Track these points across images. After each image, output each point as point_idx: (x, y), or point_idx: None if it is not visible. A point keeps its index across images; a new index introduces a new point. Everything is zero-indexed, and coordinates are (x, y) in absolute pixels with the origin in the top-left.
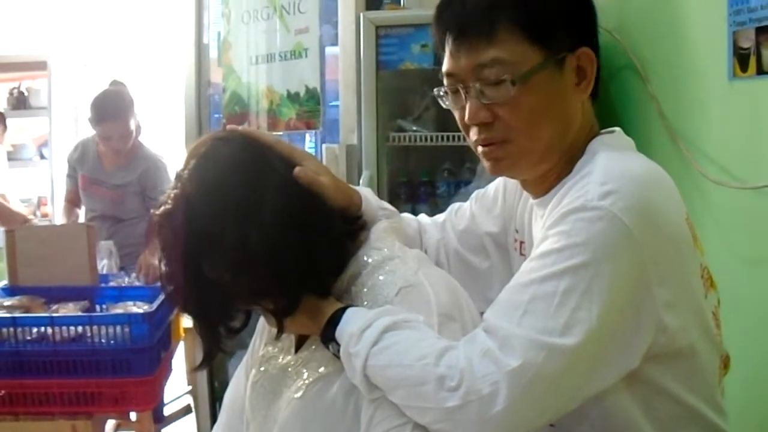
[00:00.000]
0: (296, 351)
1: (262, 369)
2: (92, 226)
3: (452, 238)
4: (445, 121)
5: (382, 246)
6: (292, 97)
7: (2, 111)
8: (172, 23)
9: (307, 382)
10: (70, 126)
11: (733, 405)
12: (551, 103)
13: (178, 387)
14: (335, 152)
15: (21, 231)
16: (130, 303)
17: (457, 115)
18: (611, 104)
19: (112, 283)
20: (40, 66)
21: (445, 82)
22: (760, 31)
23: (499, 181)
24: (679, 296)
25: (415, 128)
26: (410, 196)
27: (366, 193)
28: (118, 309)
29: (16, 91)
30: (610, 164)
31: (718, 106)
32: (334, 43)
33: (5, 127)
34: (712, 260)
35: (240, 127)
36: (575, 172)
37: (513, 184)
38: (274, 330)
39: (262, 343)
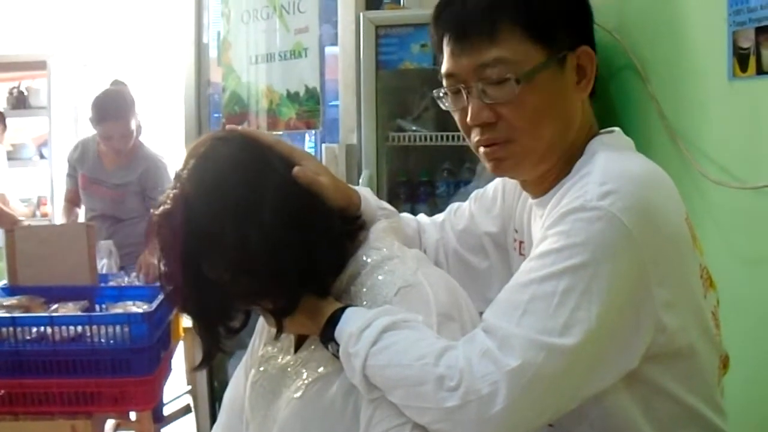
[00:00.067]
0: (295, 351)
1: (261, 369)
2: (92, 225)
3: (451, 238)
4: (444, 121)
5: (381, 246)
6: (292, 97)
7: (2, 110)
8: (172, 23)
9: (306, 382)
10: (70, 126)
11: (733, 405)
12: (553, 102)
13: (177, 387)
14: (335, 152)
15: (21, 231)
16: (130, 303)
17: (457, 116)
18: (611, 104)
19: (111, 283)
20: (40, 65)
21: (444, 83)
22: (759, 31)
23: (499, 181)
24: (679, 296)
25: (414, 128)
26: (410, 196)
27: (365, 193)
28: (118, 309)
29: (15, 90)
30: (610, 164)
31: (717, 106)
32: (334, 43)
33: (5, 126)
34: (711, 260)
35: (239, 127)
36: (574, 172)
37: (512, 184)
38: (274, 330)
39: (262, 343)
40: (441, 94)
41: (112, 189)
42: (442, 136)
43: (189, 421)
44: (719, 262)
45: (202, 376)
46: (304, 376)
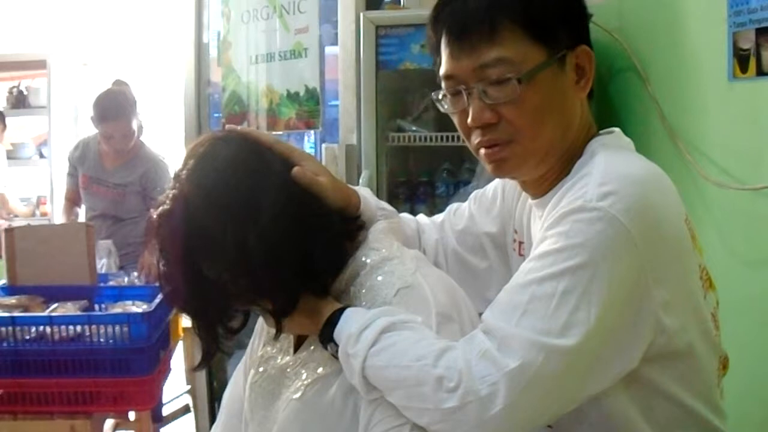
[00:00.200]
0: (295, 352)
1: (260, 369)
2: (91, 225)
3: (451, 238)
4: (444, 121)
5: (380, 246)
6: (292, 97)
7: (2, 110)
8: (172, 22)
9: (305, 382)
10: (70, 125)
11: (733, 405)
12: (554, 101)
13: (177, 386)
14: (335, 152)
15: (20, 230)
16: (129, 302)
17: (456, 118)
18: (611, 105)
19: (111, 283)
20: (40, 65)
21: (443, 85)
22: (760, 32)
23: (498, 182)
24: (678, 297)
25: (414, 128)
26: (409, 196)
27: (365, 193)
28: (117, 308)
29: (15, 90)
30: (609, 165)
31: (718, 107)
32: (334, 43)
33: (5, 126)
34: (711, 261)
35: (239, 127)
36: (574, 172)
37: (512, 184)
38: (273, 330)
39: (261, 344)
40: (440, 97)
41: (113, 189)
42: (441, 137)
43: (188, 421)
44: (719, 262)
45: (202, 376)
46: (304, 376)
